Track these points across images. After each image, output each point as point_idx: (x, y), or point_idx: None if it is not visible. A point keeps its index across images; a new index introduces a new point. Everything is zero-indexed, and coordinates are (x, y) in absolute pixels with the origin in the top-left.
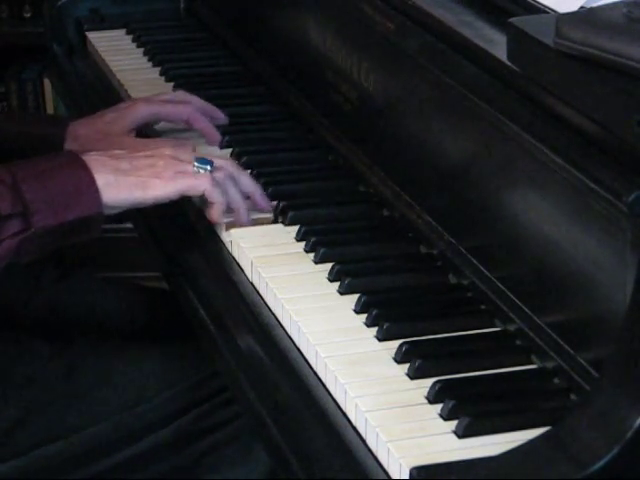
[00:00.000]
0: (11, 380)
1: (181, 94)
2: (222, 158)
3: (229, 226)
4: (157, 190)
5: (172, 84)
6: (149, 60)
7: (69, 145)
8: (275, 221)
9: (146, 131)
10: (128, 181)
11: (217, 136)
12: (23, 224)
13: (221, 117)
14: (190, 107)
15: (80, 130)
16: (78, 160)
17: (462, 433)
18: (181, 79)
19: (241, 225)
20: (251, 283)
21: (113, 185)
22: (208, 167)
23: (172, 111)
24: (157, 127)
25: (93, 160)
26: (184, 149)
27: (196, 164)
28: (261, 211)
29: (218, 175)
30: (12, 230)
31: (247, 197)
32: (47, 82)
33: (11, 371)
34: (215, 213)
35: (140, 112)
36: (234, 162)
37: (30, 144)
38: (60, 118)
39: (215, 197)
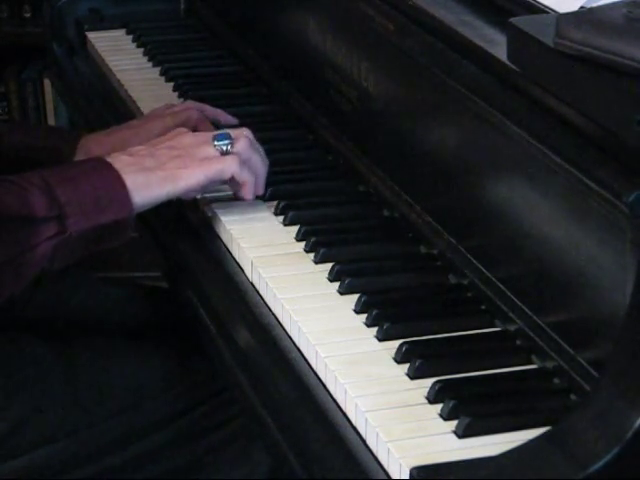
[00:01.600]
0: (11, 380)
1: (196, 108)
2: (239, 129)
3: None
4: (187, 180)
5: (172, 84)
6: (149, 60)
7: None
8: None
9: None
10: (157, 177)
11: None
12: (59, 227)
13: (232, 120)
14: (197, 113)
15: (92, 146)
16: (106, 164)
17: (462, 433)
18: (181, 79)
19: (257, 193)
20: (251, 283)
21: (143, 184)
22: (227, 142)
23: (183, 118)
24: None
25: (118, 162)
26: (201, 132)
27: (216, 142)
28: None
29: (239, 147)
30: (48, 233)
31: None
32: (47, 82)
33: (11, 371)
34: (248, 192)
35: (154, 130)
36: (247, 130)
37: (39, 157)
38: (71, 132)
39: (244, 177)
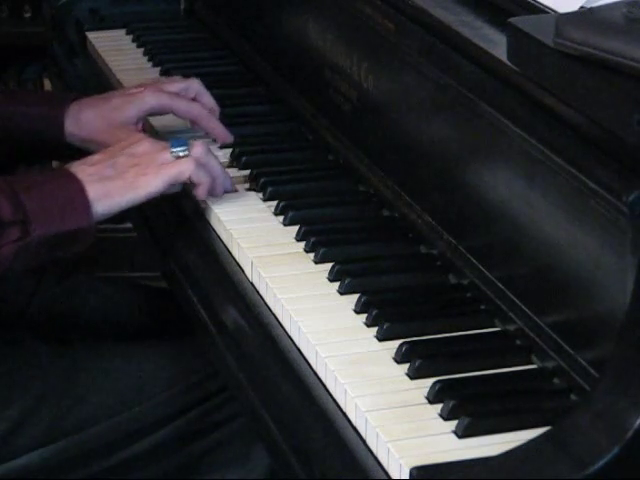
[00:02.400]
0: (12, 381)
1: (195, 84)
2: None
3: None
4: (147, 187)
5: None
6: (149, 60)
7: (69, 126)
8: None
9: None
10: (118, 186)
11: (229, 136)
12: (22, 232)
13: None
14: (199, 106)
15: (83, 113)
16: (69, 174)
17: (462, 433)
18: None
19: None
20: (251, 283)
21: (104, 194)
22: (184, 148)
23: (181, 107)
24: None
25: (81, 172)
26: (157, 140)
27: (172, 149)
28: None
29: (195, 152)
30: (12, 237)
31: None
32: (47, 82)
33: (12, 372)
34: (202, 192)
35: (147, 103)
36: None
37: (27, 125)
38: (61, 96)
39: (201, 178)
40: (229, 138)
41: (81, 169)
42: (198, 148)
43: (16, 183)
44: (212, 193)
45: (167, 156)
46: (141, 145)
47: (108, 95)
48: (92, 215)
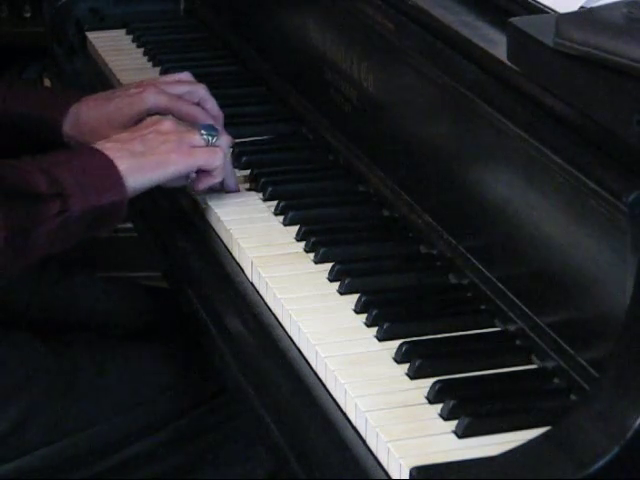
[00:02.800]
0: (11, 380)
1: (200, 90)
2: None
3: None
4: (177, 165)
5: None
6: (149, 60)
7: (68, 129)
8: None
9: None
10: (148, 161)
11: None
12: (62, 205)
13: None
14: (201, 110)
15: (82, 113)
16: (96, 151)
17: (462, 433)
18: None
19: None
20: (251, 283)
21: (135, 168)
22: (214, 134)
23: (182, 110)
24: None
25: (109, 148)
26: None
27: (203, 131)
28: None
29: (224, 142)
30: (52, 211)
31: None
32: (47, 82)
33: (11, 371)
34: (203, 186)
35: (147, 104)
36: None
37: (34, 125)
38: (61, 98)
39: (220, 174)
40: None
41: (109, 146)
42: (226, 138)
43: (46, 161)
44: (215, 188)
45: (197, 137)
46: (165, 123)
47: (108, 95)
48: (126, 188)
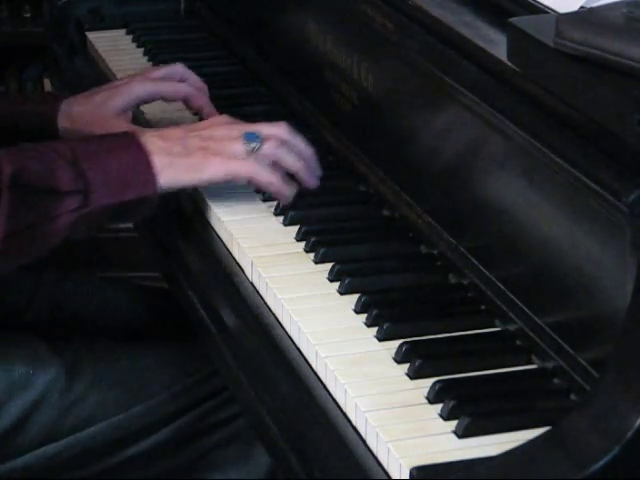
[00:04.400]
0: (12, 379)
1: (179, 68)
2: (273, 125)
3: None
4: (209, 174)
5: None
6: (149, 60)
7: (62, 123)
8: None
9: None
10: (183, 163)
11: (215, 114)
12: (82, 201)
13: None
14: (186, 85)
15: (74, 108)
16: (135, 142)
17: (462, 433)
18: None
19: (308, 186)
20: (251, 283)
21: (169, 168)
22: (257, 142)
23: (169, 90)
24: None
25: (150, 142)
26: (237, 125)
27: (245, 140)
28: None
29: (267, 147)
30: (71, 206)
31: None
32: (47, 82)
33: (11, 371)
34: (278, 192)
35: (135, 91)
36: (285, 125)
37: (22, 123)
38: (52, 96)
39: (264, 178)
40: (216, 114)
41: (151, 140)
42: (270, 144)
43: (80, 150)
44: (303, 182)
45: (239, 147)
46: (217, 130)
47: (96, 90)
48: (156, 184)
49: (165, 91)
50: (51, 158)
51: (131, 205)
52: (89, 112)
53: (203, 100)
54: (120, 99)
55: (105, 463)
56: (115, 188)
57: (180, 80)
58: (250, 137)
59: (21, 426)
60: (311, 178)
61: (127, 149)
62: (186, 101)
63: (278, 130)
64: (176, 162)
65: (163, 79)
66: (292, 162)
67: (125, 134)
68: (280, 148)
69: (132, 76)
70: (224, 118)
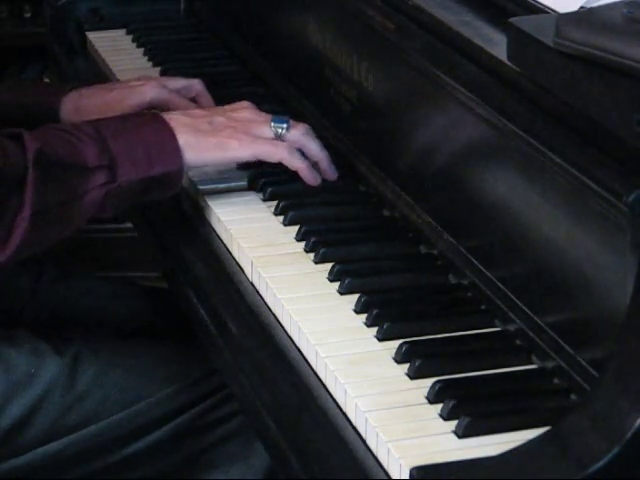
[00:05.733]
0: (13, 378)
1: (197, 85)
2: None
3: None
4: (236, 152)
5: None
6: (149, 60)
7: (66, 115)
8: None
9: None
10: (208, 141)
11: None
12: (109, 176)
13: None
14: (197, 106)
15: (83, 101)
16: (160, 119)
17: (462, 433)
18: None
19: (328, 178)
20: (251, 283)
21: (194, 145)
22: (285, 125)
23: (180, 105)
24: None
25: (174, 119)
26: (259, 110)
27: (273, 124)
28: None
29: (294, 133)
30: (99, 181)
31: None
32: (47, 82)
33: (12, 370)
34: (306, 176)
35: (149, 94)
36: (305, 125)
37: (29, 112)
38: (59, 86)
39: (295, 162)
40: None
41: (175, 117)
42: (298, 129)
43: (105, 127)
44: (323, 173)
45: (266, 130)
46: (244, 112)
47: (109, 86)
48: (182, 160)
49: (176, 104)
50: (76, 136)
51: (157, 181)
52: (100, 106)
53: (207, 99)
54: (131, 101)
55: (106, 461)
56: (141, 163)
57: (193, 98)
58: (279, 121)
59: (22, 425)
60: (331, 170)
61: (151, 125)
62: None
63: (303, 124)
64: (200, 139)
65: (179, 92)
66: (317, 150)
67: (151, 113)
68: (306, 135)
69: (147, 78)
70: (249, 103)
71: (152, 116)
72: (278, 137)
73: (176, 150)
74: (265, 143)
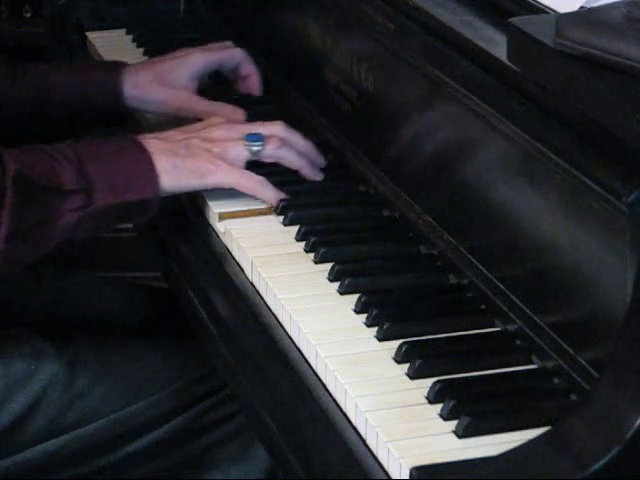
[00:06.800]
0: (12, 377)
1: (238, 53)
2: (270, 124)
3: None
4: (214, 178)
5: None
6: None
7: (129, 91)
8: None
9: None
10: (185, 167)
11: (259, 87)
12: (85, 200)
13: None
14: (241, 51)
15: (140, 74)
16: (139, 145)
17: (462, 433)
18: None
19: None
20: (251, 283)
21: (171, 171)
22: (259, 143)
23: (226, 56)
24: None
25: (152, 145)
26: (235, 125)
27: (246, 142)
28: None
29: (269, 149)
30: (74, 205)
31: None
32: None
33: (12, 369)
34: (265, 197)
35: (197, 61)
36: (282, 124)
37: (87, 92)
38: (111, 63)
39: (262, 192)
40: (259, 88)
41: (153, 142)
42: (271, 145)
43: (83, 151)
44: (309, 178)
45: (241, 149)
46: (217, 130)
47: (159, 59)
48: (159, 186)
49: (222, 57)
50: (54, 158)
51: (133, 207)
52: (154, 80)
53: (251, 69)
54: (183, 69)
55: (105, 460)
56: (118, 188)
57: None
58: (252, 138)
59: (22, 423)
60: (314, 173)
61: (129, 151)
62: (238, 67)
63: (276, 129)
64: (178, 165)
65: (221, 62)
66: (294, 161)
67: (127, 137)
68: (281, 148)
69: (188, 49)
70: (219, 119)
71: (131, 141)
72: (254, 155)
73: (154, 177)
74: (238, 173)
